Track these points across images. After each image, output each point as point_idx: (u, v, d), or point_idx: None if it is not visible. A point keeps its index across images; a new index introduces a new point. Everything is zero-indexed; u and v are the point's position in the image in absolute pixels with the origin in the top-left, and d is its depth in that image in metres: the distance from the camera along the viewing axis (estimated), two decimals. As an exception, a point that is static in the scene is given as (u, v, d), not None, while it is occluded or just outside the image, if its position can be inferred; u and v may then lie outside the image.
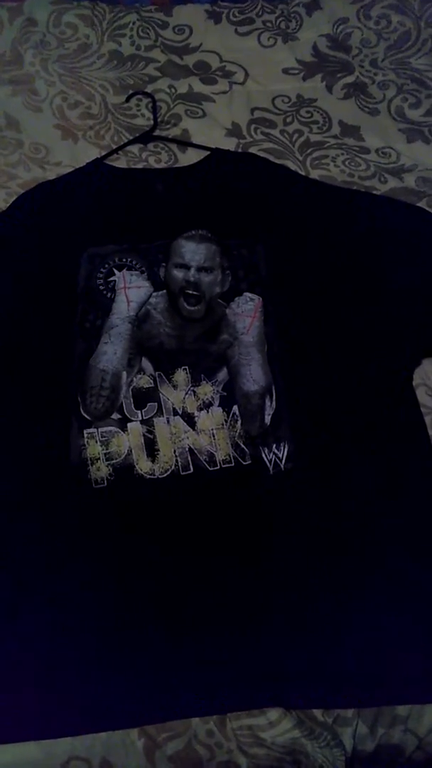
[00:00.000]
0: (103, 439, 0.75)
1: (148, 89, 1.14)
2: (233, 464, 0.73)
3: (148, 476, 0.73)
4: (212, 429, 0.76)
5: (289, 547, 0.68)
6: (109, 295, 0.85)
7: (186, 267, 0.85)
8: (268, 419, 0.76)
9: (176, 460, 0.74)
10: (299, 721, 0.62)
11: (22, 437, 0.75)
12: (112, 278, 0.86)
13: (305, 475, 0.72)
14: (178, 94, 1.14)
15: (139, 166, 1.03)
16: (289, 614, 0.65)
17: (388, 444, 0.74)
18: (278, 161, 1.01)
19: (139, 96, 1.12)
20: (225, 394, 0.78)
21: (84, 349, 0.80)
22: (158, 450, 0.74)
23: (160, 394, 0.78)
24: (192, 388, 0.78)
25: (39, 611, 0.65)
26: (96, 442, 0.74)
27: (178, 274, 0.85)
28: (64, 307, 0.84)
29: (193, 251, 0.86)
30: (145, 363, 0.80)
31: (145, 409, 0.77)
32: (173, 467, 0.73)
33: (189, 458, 0.74)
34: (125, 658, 0.63)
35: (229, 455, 0.74)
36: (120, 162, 1.03)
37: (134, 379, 0.79)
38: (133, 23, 1.22)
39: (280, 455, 0.74)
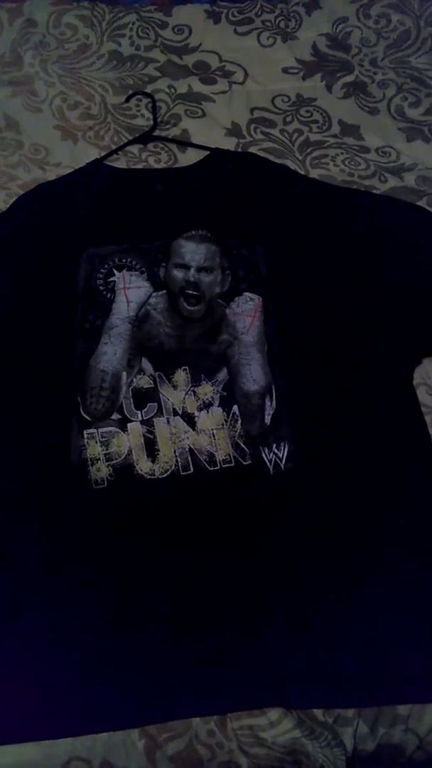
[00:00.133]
0: (103, 439, 0.75)
1: (148, 89, 1.14)
2: (233, 464, 0.73)
3: (149, 476, 0.73)
4: (212, 429, 0.76)
5: (290, 547, 0.68)
6: (108, 295, 0.85)
7: (186, 267, 0.85)
8: (268, 419, 0.76)
9: (176, 461, 0.74)
10: (300, 721, 0.62)
11: (22, 438, 0.75)
12: (111, 278, 0.86)
13: (305, 475, 0.72)
14: (178, 94, 1.14)
15: (139, 166, 1.03)
16: (290, 614, 0.65)
17: (388, 444, 0.74)
18: (278, 161, 1.01)
19: (139, 96, 1.12)
20: (225, 394, 0.78)
21: (84, 350, 0.80)
22: (158, 450, 0.74)
23: (160, 395, 0.78)
24: (192, 388, 0.78)
25: (39, 611, 0.65)
26: (96, 442, 0.74)
27: (178, 274, 0.85)
28: (64, 308, 0.84)
29: (193, 251, 0.86)
30: (145, 363, 0.80)
31: (145, 409, 0.77)
32: (173, 467, 0.73)
33: (189, 458, 0.74)
34: (126, 658, 0.63)
35: (230, 455, 0.74)
36: (120, 162, 1.03)
37: (134, 379, 0.79)
38: (133, 23, 1.23)
39: (281, 455, 0.73)
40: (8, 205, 0.94)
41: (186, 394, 0.78)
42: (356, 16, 1.24)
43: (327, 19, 1.23)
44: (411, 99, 1.13)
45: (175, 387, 0.78)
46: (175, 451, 0.74)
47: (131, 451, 0.74)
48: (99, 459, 0.74)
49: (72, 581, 0.67)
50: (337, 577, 0.67)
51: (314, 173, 1.02)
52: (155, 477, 0.73)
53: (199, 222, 0.89)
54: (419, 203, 0.97)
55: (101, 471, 0.73)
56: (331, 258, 0.87)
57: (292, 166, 1.02)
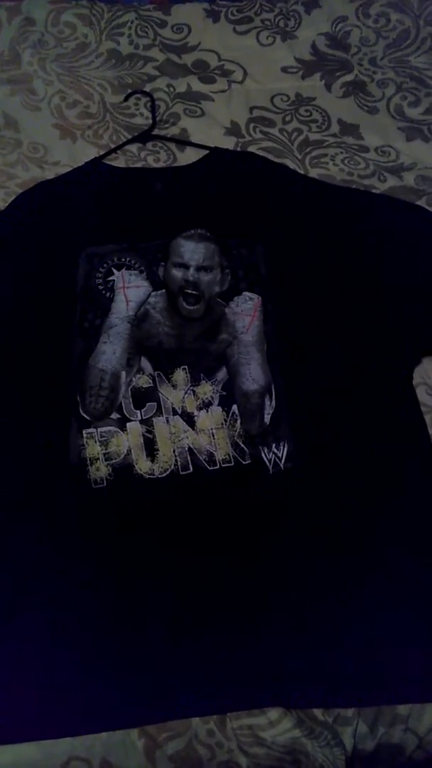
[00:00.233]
0: (103, 438, 0.75)
1: (147, 88, 1.14)
2: (233, 464, 0.73)
3: (148, 476, 0.73)
4: (212, 428, 0.76)
5: (289, 546, 0.68)
6: (108, 294, 0.85)
7: (185, 266, 0.85)
8: (267, 418, 0.76)
9: (176, 460, 0.74)
10: (299, 721, 0.62)
11: (21, 437, 0.75)
12: (111, 278, 0.86)
13: (305, 475, 0.72)
14: (177, 93, 1.14)
15: (138, 165, 1.03)
16: (289, 614, 0.65)
17: (388, 443, 0.74)
18: (277, 160, 1.01)
19: (138, 95, 1.12)
20: (224, 393, 0.78)
21: (83, 349, 0.80)
22: (158, 450, 0.74)
23: (160, 394, 0.78)
24: (191, 388, 0.78)
25: (38, 610, 0.65)
26: (95, 442, 0.74)
27: (177, 273, 0.85)
28: (63, 307, 0.84)
29: (192, 250, 0.86)
30: (144, 362, 0.80)
31: (145, 408, 0.77)
32: (173, 467, 0.73)
33: (188, 458, 0.74)
34: (125, 657, 0.63)
35: (229, 455, 0.74)
36: (119, 161, 1.03)
37: (133, 378, 0.79)
38: (132, 22, 1.22)
39: (280, 454, 0.73)
40: (7, 204, 0.94)
41: (185, 393, 0.78)
42: (356, 15, 1.24)
43: (326, 19, 1.23)
44: (410, 98, 1.13)
45: (174, 386, 0.78)
46: (174, 451, 0.74)
47: (130, 451, 0.74)
48: (98, 458, 0.73)
49: (71, 580, 0.66)
50: (337, 577, 0.67)
51: (313, 172, 1.02)
52: (154, 476, 0.73)
53: (199, 221, 0.89)
54: (419, 203, 0.97)
55: (100, 470, 0.73)
56: (330, 257, 0.87)
57: (292, 165, 1.02)
